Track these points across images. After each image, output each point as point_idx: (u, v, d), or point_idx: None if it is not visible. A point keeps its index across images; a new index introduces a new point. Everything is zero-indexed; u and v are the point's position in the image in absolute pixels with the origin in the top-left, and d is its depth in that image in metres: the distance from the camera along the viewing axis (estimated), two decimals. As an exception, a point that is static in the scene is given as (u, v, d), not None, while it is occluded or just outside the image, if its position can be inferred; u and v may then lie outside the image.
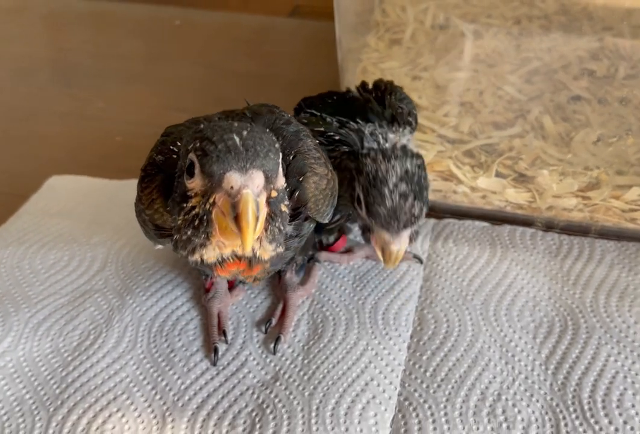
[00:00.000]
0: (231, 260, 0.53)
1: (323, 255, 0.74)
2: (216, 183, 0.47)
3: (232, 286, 0.71)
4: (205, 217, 0.48)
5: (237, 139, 0.47)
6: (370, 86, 0.71)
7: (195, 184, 0.49)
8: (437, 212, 0.80)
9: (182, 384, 0.62)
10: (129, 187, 0.87)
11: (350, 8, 0.96)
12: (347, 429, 0.57)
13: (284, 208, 0.51)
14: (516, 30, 1.04)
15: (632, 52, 0.96)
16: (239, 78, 1.18)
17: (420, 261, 0.74)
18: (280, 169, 0.50)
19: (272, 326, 0.67)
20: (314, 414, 0.58)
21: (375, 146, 0.65)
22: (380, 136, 0.65)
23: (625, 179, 0.72)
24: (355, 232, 0.78)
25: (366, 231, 0.70)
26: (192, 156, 0.48)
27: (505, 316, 0.67)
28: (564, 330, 0.66)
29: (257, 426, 0.58)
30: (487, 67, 0.96)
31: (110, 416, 0.59)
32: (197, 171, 0.48)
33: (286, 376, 0.62)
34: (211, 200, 0.47)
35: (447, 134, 0.82)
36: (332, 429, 0.57)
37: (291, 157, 0.57)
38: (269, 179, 0.47)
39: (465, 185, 0.76)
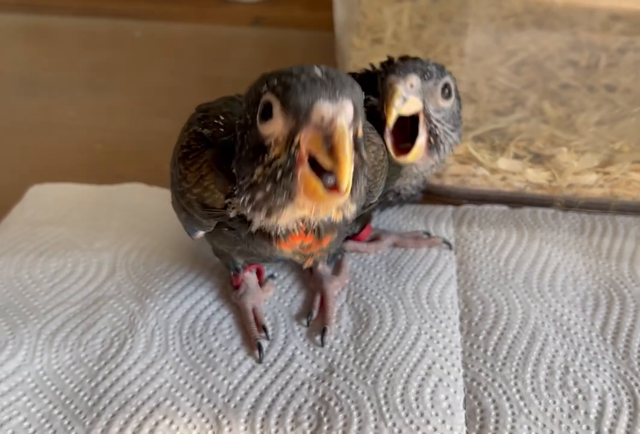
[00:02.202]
0: (297, 232, 0.48)
1: (350, 245, 0.71)
2: (303, 117, 0.41)
3: (260, 281, 0.67)
4: (289, 168, 0.42)
5: (318, 71, 0.42)
6: (396, 61, 0.70)
7: (274, 127, 0.42)
8: (455, 198, 0.79)
9: (230, 384, 0.57)
10: (123, 192, 0.82)
11: (338, 10, 0.96)
12: (422, 414, 0.53)
13: (365, 155, 0.45)
14: (492, 28, 1.06)
15: (607, 43, 1.00)
16: (212, 82, 1.14)
17: (450, 246, 0.72)
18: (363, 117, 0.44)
19: (314, 319, 0.63)
20: (383, 402, 0.54)
21: None
22: None
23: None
24: (377, 222, 0.75)
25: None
26: (268, 96, 0.42)
27: (550, 292, 0.66)
28: (611, 301, 0.65)
29: (325, 419, 0.53)
30: (474, 60, 0.97)
31: (157, 424, 0.53)
32: (276, 110, 0.42)
33: (341, 366, 0.58)
34: (297, 140, 0.41)
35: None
36: (407, 415, 0.53)
37: None
38: (356, 114, 0.42)
39: (485, 167, 0.75)
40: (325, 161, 0.40)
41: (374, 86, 0.65)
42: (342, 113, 0.40)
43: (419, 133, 0.58)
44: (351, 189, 0.42)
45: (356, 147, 0.43)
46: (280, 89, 0.42)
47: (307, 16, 1.40)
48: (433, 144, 0.59)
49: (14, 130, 0.99)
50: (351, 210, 0.46)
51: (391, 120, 0.56)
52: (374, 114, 0.62)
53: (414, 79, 0.57)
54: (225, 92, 1.11)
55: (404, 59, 0.68)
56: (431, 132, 0.59)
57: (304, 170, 0.42)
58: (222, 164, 0.49)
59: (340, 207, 0.46)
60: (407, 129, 0.60)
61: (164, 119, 1.02)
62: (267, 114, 0.43)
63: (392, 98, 0.56)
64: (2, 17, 1.42)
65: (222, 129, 0.52)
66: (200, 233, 0.57)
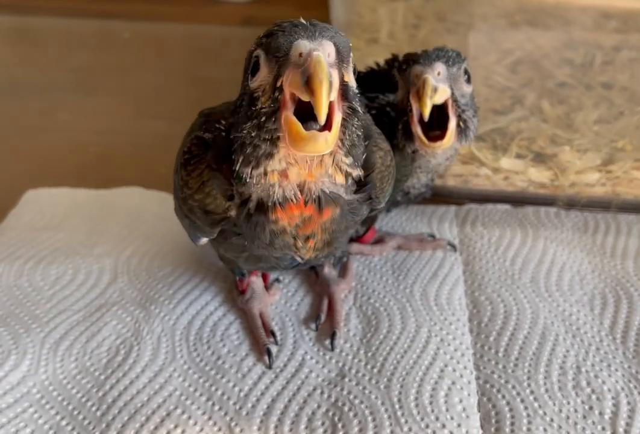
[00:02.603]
0: (294, 201, 0.46)
1: (354, 247, 0.70)
2: (284, 58, 0.41)
3: (266, 285, 0.66)
4: (272, 109, 0.42)
5: (303, 20, 0.43)
6: (402, 58, 0.69)
7: (261, 78, 0.43)
8: (457, 198, 0.78)
9: (241, 391, 0.56)
10: (121, 196, 0.81)
11: (335, 10, 0.95)
12: (437, 418, 0.52)
13: (358, 107, 0.44)
14: (486, 27, 1.06)
15: (601, 41, 1.00)
16: (203, 83, 1.13)
17: (454, 248, 0.71)
18: (352, 63, 0.44)
19: (322, 322, 0.62)
20: (397, 406, 0.53)
21: None
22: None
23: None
24: (381, 224, 0.75)
25: (405, 124, 0.60)
26: (256, 51, 0.43)
27: (557, 292, 0.66)
28: (618, 300, 0.65)
29: (339, 425, 0.52)
30: (471, 59, 0.96)
31: (168, 433, 0.52)
32: (262, 60, 0.43)
33: (353, 371, 0.57)
34: (279, 83, 0.42)
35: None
36: (422, 419, 0.52)
37: None
38: (340, 55, 0.42)
39: (488, 167, 0.74)
40: (302, 94, 0.40)
41: (379, 84, 0.64)
42: (319, 49, 0.40)
43: (450, 118, 0.58)
44: (342, 139, 0.43)
45: (344, 94, 0.43)
46: (264, 40, 0.43)
47: (297, 15, 1.38)
48: (462, 129, 0.59)
49: (4, 134, 0.97)
50: (347, 162, 0.45)
51: (427, 111, 0.55)
52: (384, 113, 0.62)
53: (441, 67, 0.57)
54: (216, 93, 1.11)
55: (410, 55, 0.67)
56: (460, 117, 0.58)
57: (286, 112, 0.42)
58: (222, 164, 0.48)
59: (331, 163, 0.44)
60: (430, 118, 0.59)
61: (157, 121, 1.01)
62: (255, 69, 0.44)
63: (424, 89, 0.55)
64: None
65: (223, 133, 0.51)
66: (204, 240, 0.56)
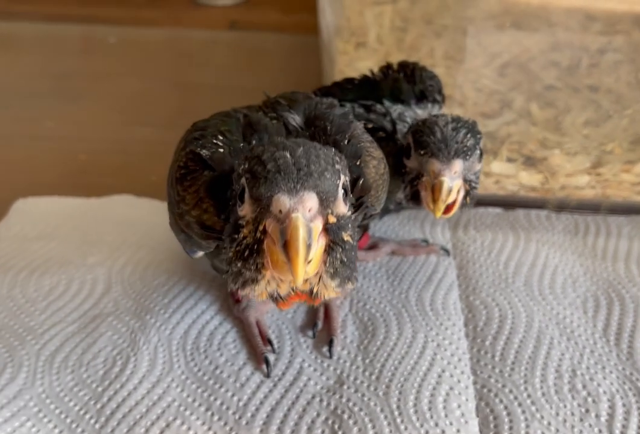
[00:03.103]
0: (292, 293, 0.47)
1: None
2: (264, 208, 0.42)
3: (261, 293, 0.66)
4: (255, 247, 0.43)
5: (289, 157, 0.42)
6: (396, 67, 0.70)
7: (245, 211, 0.44)
8: (449, 202, 0.78)
9: (239, 400, 0.56)
10: (113, 204, 0.81)
11: (325, 15, 0.95)
12: (436, 424, 0.53)
13: (347, 237, 0.44)
14: (472, 30, 1.07)
15: (587, 43, 1.01)
16: (190, 88, 1.13)
17: (448, 253, 0.72)
18: (341, 194, 0.44)
19: (319, 329, 0.62)
20: (396, 413, 0.54)
21: (405, 128, 0.63)
22: (408, 118, 0.64)
23: (635, 153, 0.74)
24: (374, 229, 0.75)
25: (413, 186, 0.61)
26: (242, 180, 0.43)
27: (550, 295, 0.66)
28: (610, 303, 0.65)
29: (339, 433, 0.53)
30: (458, 63, 0.97)
31: (168, 444, 0.52)
32: (246, 195, 0.43)
33: (351, 378, 0.57)
34: (261, 227, 0.42)
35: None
36: (421, 425, 0.53)
37: (345, 142, 0.53)
38: (324, 203, 0.42)
39: (479, 171, 0.75)
40: (281, 255, 0.41)
41: (374, 92, 0.65)
42: (299, 207, 0.41)
43: (457, 200, 0.58)
44: (326, 263, 0.43)
45: (328, 231, 0.42)
46: (248, 176, 0.43)
47: (283, 19, 1.39)
48: (468, 200, 0.60)
49: (-7, 142, 0.97)
50: (332, 285, 0.45)
51: (439, 213, 0.57)
52: (380, 128, 0.62)
53: (459, 165, 0.56)
54: (204, 98, 1.11)
55: (404, 66, 0.68)
56: (467, 193, 0.59)
57: (268, 241, 0.42)
58: (216, 194, 0.49)
59: (317, 282, 0.44)
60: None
61: (144, 128, 1.01)
62: (242, 197, 0.44)
63: (440, 193, 0.56)
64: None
65: (220, 150, 0.51)
66: (200, 253, 0.56)
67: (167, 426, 0.54)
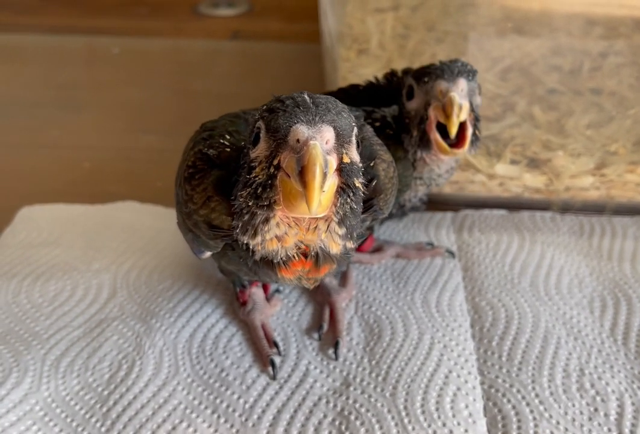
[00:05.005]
0: (296, 258, 0.47)
1: (353, 256, 0.70)
2: (281, 139, 0.42)
3: (266, 296, 0.66)
4: (269, 182, 0.42)
5: (307, 98, 0.43)
6: (400, 74, 0.70)
7: (259, 150, 0.44)
8: (453, 205, 0.79)
9: (246, 403, 0.55)
10: (117, 210, 0.81)
11: (327, 22, 0.96)
12: (444, 424, 0.52)
13: (358, 183, 0.44)
14: (474, 35, 1.07)
15: (588, 48, 1.01)
16: (193, 97, 1.13)
17: (453, 255, 0.71)
18: (355, 139, 0.44)
19: (325, 332, 0.62)
20: (404, 414, 0.53)
21: None
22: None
23: (635, 154, 0.74)
24: (378, 232, 0.75)
25: (420, 130, 0.60)
26: (258, 122, 0.44)
27: (557, 295, 0.66)
28: (617, 302, 0.65)
29: (347, 434, 0.52)
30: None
31: (175, 447, 0.52)
32: (262, 133, 0.43)
33: (357, 379, 0.57)
34: (275, 161, 0.42)
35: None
36: (429, 426, 0.52)
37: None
38: (340, 140, 0.42)
39: (483, 173, 0.75)
40: (295, 183, 0.40)
41: (379, 98, 0.65)
42: (317, 136, 0.41)
43: (467, 127, 0.58)
44: (336, 206, 0.43)
45: (341, 172, 0.43)
46: (266, 114, 0.43)
47: (286, 28, 1.39)
48: (476, 138, 0.60)
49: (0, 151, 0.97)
50: (339, 233, 0.45)
51: (455, 129, 0.56)
52: (386, 124, 0.62)
53: (463, 83, 0.58)
54: (206, 106, 1.12)
55: (430, 68, 0.68)
56: (475, 126, 0.59)
57: (282, 174, 0.42)
58: (224, 192, 0.49)
59: (325, 229, 0.44)
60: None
61: (148, 135, 1.01)
62: (256, 140, 0.44)
63: (452, 108, 0.56)
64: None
65: (227, 149, 0.51)
66: (208, 254, 0.56)
67: (174, 428, 0.53)
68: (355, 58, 1.00)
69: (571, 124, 0.83)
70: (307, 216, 0.42)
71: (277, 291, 0.67)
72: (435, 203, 0.79)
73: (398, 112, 0.63)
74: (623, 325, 0.62)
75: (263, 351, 0.60)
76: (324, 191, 0.40)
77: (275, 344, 0.60)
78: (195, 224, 0.52)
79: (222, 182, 0.50)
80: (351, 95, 0.68)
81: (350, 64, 0.99)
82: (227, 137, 0.53)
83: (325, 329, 0.62)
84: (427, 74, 0.59)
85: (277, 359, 0.59)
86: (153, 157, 0.95)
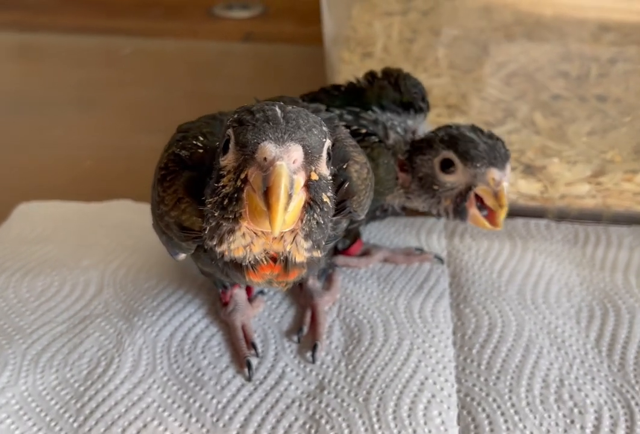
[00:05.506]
0: (264, 262, 0.47)
1: (340, 259, 0.70)
2: (249, 155, 0.42)
3: (249, 297, 0.66)
4: (235, 196, 0.42)
5: (278, 111, 0.43)
6: (380, 75, 0.69)
7: (228, 160, 0.43)
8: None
9: (219, 403, 0.55)
10: (112, 208, 0.82)
11: (327, 25, 0.96)
12: (414, 431, 0.52)
13: (326, 199, 0.44)
14: (482, 40, 1.06)
15: (598, 54, 1.00)
16: (203, 98, 1.13)
17: (442, 261, 0.71)
18: (325, 154, 0.44)
19: (305, 335, 0.62)
20: (375, 419, 0.53)
21: (399, 137, 0.63)
22: (398, 127, 0.64)
23: (633, 162, 0.72)
24: (368, 236, 0.75)
25: (457, 202, 0.61)
26: (229, 130, 0.44)
27: (544, 304, 0.65)
28: (605, 313, 0.64)
29: (315, 438, 0.52)
30: (464, 72, 0.97)
31: (143, 445, 0.52)
32: (231, 143, 0.43)
33: (332, 383, 0.57)
34: (242, 175, 0.42)
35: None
36: (399, 432, 0.52)
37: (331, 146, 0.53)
38: (309, 158, 0.42)
39: (477, 179, 0.74)
40: (260, 202, 0.41)
41: (360, 99, 0.65)
42: (285, 156, 0.41)
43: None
44: (302, 220, 0.43)
45: (309, 188, 0.43)
46: (236, 125, 0.43)
47: (299, 31, 1.40)
48: None
49: (2, 148, 0.98)
50: (304, 246, 0.45)
51: (503, 217, 0.59)
52: (372, 132, 0.62)
53: (509, 170, 0.60)
54: (216, 108, 1.11)
55: (388, 74, 0.67)
56: None
57: (248, 189, 0.42)
58: (196, 191, 0.48)
59: (291, 241, 0.45)
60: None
61: (154, 136, 1.00)
62: (226, 148, 0.44)
63: (504, 198, 0.58)
64: (-7, 36, 1.42)
65: (200, 150, 0.51)
66: (182, 255, 0.56)
67: (145, 426, 0.53)
68: (359, 61, 1.00)
69: (572, 130, 0.81)
70: (273, 232, 0.42)
71: (261, 292, 0.67)
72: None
73: (408, 149, 0.64)
74: (609, 336, 0.61)
75: (240, 352, 0.60)
76: (288, 212, 0.40)
77: (254, 346, 0.60)
78: (167, 226, 0.52)
79: (193, 184, 0.50)
80: (333, 96, 0.68)
81: (353, 67, 0.98)
82: (201, 138, 0.53)
83: (305, 332, 0.62)
84: (477, 158, 0.58)
85: (254, 361, 0.59)
86: (154, 156, 0.95)
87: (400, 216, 0.70)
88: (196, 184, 0.49)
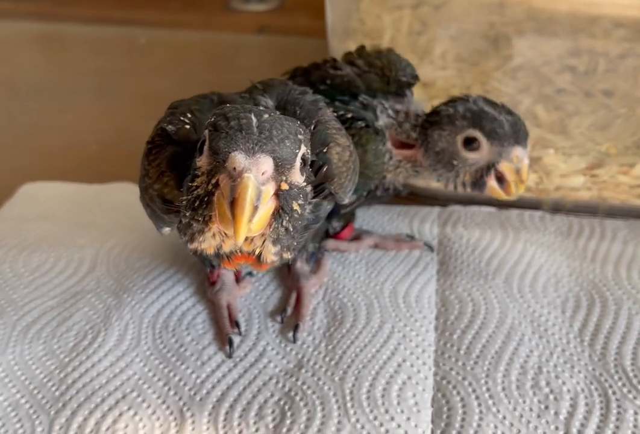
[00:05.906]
0: (239, 253, 0.49)
1: (330, 243, 0.71)
2: (220, 162, 0.43)
3: (238, 278, 0.66)
4: (206, 199, 0.44)
5: (253, 119, 0.43)
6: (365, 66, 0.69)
7: (202, 162, 0.44)
8: (442, 200, 0.78)
9: (198, 378, 0.56)
10: (113, 190, 0.83)
11: (334, 18, 0.97)
12: (387, 411, 0.52)
13: (296, 207, 0.45)
14: (492, 34, 1.06)
15: (608, 49, 0.99)
16: (216, 89, 1.13)
17: (431, 248, 0.71)
18: (299, 164, 0.45)
19: (288, 315, 0.63)
20: (348, 398, 0.53)
21: (390, 119, 0.64)
22: (390, 109, 0.64)
23: (631, 156, 0.72)
24: (362, 223, 0.75)
25: (478, 177, 0.62)
26: (205, 131, 0.45)
27: (530, 293, 0.65)
28: (591, 304, 0.63)
29: (288, 414, 0.52)
30: (470, 65, 0.96)
31: (121, 414, 0.53)
32: (205, 147, 0.44)
33: (311, 363, 0.57)
34: (214, 180, 0.43)
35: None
36: (371, 411, 0.52)
37: (312, 128, 0.53)
38: (279, 169, 0.43)
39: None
40: (227, 210, 0.41)
41: (322, 77, 0.66)
42: (253, 168, 0.41)
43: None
44: (271, 226, 0.44)
45: (279, 196, 0.44)
46: (211, 129, 0.44)
47: (313, 24, 1.40)
48: None
49: (9, 131, 1.01)
50: (272, 251, 0.47)
51: (522, 191, 0.61)
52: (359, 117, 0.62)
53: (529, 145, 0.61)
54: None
55: (372, 64, 0.67)
56: None
57: (218, 194, 0.43)
58: (178, 168, 0.50)
59: (260, 244, 0.46)
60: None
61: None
62: (202, 148, 0.45)
63: (526, 174, 0.60)
64: (15, 25, 1.45)
65: (187, 126, 0.52)
66: (167, 229, 0.57)
67: (124, 397, 0.54)
68: (366, 53, 1.00)
69: (574, 124, 0.81)
70: (237, 240, 0.43)
71: (250, 273, 0.68)
72: (424, 198, 0.78)
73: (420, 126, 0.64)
74: (593, 326, 0.61)
75: (224, 329, 0.60)
76: (252, 223, 0.41)
77: (237, 324, 0.61)
78: (151, 199, 0.53)
79: (177, 158, 0.51)
80: (319, 91, 0.68)
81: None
82: (189, 115, 0.54)
83: (289, 312, 0.63)
84: (504, 138, 0.59)
85: (236, 339, 0.60)
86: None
87: (404, 192, 0.70)
88: (180, 159, 0.50)
